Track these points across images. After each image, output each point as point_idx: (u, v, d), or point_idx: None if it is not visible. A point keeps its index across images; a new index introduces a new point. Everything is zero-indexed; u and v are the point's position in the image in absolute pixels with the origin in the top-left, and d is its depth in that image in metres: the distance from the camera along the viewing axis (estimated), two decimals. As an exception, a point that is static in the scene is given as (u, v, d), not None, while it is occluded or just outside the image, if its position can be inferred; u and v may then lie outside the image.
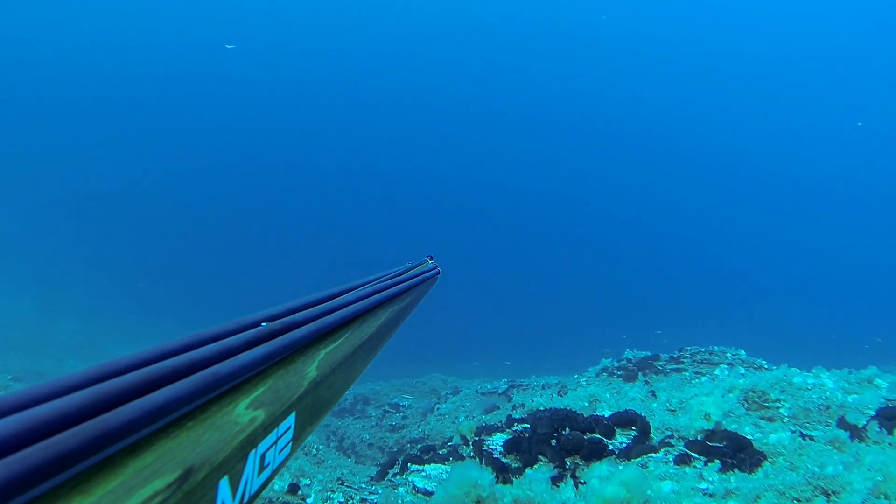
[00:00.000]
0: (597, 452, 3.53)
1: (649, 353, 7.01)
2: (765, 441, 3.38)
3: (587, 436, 3.75)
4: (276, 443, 0.64)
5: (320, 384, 0.77)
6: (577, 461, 3.54)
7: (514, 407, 6.42)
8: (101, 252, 35.21)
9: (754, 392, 4.18)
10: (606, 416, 4.08)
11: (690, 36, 44.57)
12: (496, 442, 4.18)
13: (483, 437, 4.34)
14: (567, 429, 3.82)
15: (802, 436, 3.50)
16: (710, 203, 47.62)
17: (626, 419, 3.95)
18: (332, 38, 45.64)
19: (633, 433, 3.85)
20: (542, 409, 4.59)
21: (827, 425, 3.83)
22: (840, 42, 42.29)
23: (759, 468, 2.79)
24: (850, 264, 42.60)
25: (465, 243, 46.56)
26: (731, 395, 4.17)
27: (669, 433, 3.82)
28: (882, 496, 2.22)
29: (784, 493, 2.46)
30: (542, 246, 47.15)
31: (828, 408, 4.15)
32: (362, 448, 8.69)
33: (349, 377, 0.96)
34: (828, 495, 2.37)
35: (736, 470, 2.86)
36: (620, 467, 3.19)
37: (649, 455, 3.42)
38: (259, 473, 0.60)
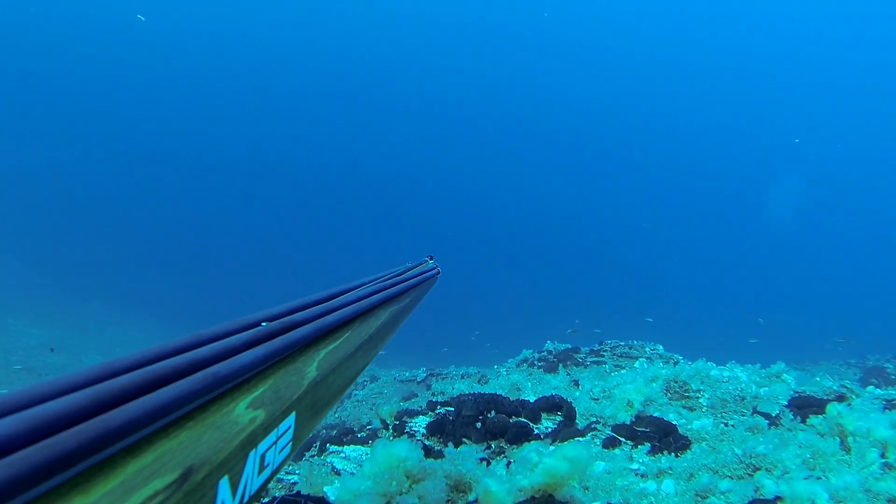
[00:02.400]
0: (523, 436, 3.47)
1: (570, 346, 7.14)
2: (689, 427, 3.47)
3: (513, 419, 3.67)
4: (276, 442, 0.64)
5: (320, 384, 0.77)
6: (503, 444, 3.46)
7: (433, 394, 6.34)
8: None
9: (676, 382, 4.32)
10: (531, 400, 4.02)
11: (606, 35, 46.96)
12: (419, 424, 4.08)
13: (405, 419, 4.16)
14: (493, 412, 3.72)
15: (723, 423, 3.60)
16: (636, 208, 50.72)
17: (552, 404, 3.93)
18: (331, 38, 46.23)
19: (559, 418, 3.85)
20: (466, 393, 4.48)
21: (743, 414, 4.02)
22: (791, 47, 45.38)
23: (687, 451, 2.81)
24: (768, 270, 46.27)
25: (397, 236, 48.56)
26: (654, 384, 4.29)
27: (595, 419, 3.86)
28: (815, 469, 2.28)
29: (717, 472, 2.50)
30: (470, 242, 49.64)
31: (743, 398, 4.35)
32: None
33: (349, 377, 0.96)
34: (757, 469, 2.41)
35: (665, 452, 2.87)
36: (551, 448, 3.13)
37: (577, 439, 3.38)
38: (259, 473, 0.60)
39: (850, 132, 45.21)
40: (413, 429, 4.03)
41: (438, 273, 2.07)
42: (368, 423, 4.93)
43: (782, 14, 42.48)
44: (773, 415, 3.83)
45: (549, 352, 7.11)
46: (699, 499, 2.27)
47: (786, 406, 3.89)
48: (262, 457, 0.60)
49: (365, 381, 10.09)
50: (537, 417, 3.82)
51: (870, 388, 4.86)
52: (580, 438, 3.42)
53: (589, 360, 6.46)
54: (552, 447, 3.15)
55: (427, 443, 3.60)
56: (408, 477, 2.27)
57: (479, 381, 6.20)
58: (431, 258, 2.20)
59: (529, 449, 2.73)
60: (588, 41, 46.33)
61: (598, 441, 3.30)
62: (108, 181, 41.99)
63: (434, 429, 3.73)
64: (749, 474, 2.44)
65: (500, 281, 44.32)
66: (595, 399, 4.40)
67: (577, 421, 3.84)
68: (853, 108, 44.58)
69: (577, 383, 5.16)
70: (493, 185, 52.14)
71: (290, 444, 0.68)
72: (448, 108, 49.87)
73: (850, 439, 2.43)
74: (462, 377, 7.59)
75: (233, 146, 45.64)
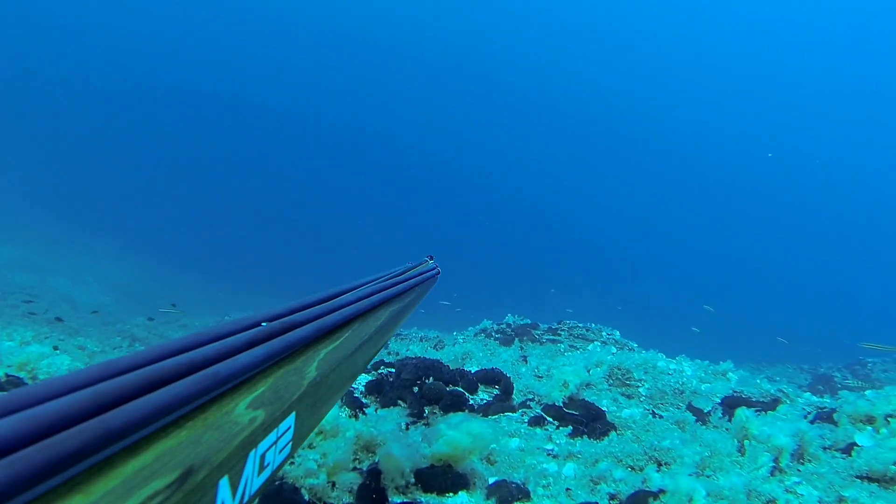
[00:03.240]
0: (456, 405, 3.51)
1: (529, 322, 7.22)
2: (618, 414, 3.54)
3: (450, 388, 3.72)
4: (276, 442, 0.65)
5: (320, 384, 0.78)
6: (436, 410, 3.50)
7: (388, 353, 6.38)
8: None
9: (619, 370, 4.40)
10: (473, 371, 4.07)
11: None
12: (359, 382, 4.08)
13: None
14: (431, 378, 3.76)
15: (654, 414, 3.67)
16: (627, 200, 53.26)
17: (491, 377, 3.98)
18: (330, 38, 47.13)
19: (496, 391, 3.89)
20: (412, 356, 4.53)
21: (678, 408, 4.12)
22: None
23: (606, 437, 2.87)
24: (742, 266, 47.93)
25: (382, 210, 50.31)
26: (597, 369, 4.36)
27: (531, 396, 3.91)
28: (706, 469, 2.35)
29: (621, 461, 2.57)
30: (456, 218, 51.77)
31: (682, 392, 4.45)
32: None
33: (349, 377, 0.96)
34: (660, 465, 2.47)
35: (585, 436, 2.94)
36: (457, 420, 3.19)
37: (506, 413, 3.43)
38: (259, 473, 0.61)
39: (831, 132, 47.06)
40: (352, 386, 4.08)
41: (438, 273, 2.10)
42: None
43: (787, 14, 43.47)
44: (705, 411, 3.93)
45: (509, 325, 7.19)
46: (592, 484, 2.34)
47: (719, 404, 3.97)
48: (262, 457, 0.61)
49: None
50: (474, 388, 3.87)
51: (807, 394, 4.98)
52: (510, 414, 3.48)
53: (546, 337, 6.55)
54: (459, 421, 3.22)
55: (364, 401, 3.65)
56: (318, 433, 2.31)
57: (434, 346, 6.25)
58: (431, 258, 2.23)
59: (454, 419, 2.78)
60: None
61: (526, 418, 3.36)
62: (95, 108, 41.70)
63: (372, 388, 3.77)
64: (648, 465, 2.52)
65: (486, 252, 45.98)
66: (539, 377, 4.47)
67: (513, 396, 3.90)
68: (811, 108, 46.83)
69: (525, 359, 5.24)
70: (488, 162, 54.22)
71: (290, 444, 0.69)
72: (423, 79, 51.58)
73: (746, 443, 2.50)
74: (420, 340, 7.66)
75: (230, 145, 46.84)
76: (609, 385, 4.26)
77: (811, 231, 50.92)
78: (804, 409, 4.24)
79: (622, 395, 4.16)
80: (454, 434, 2.20)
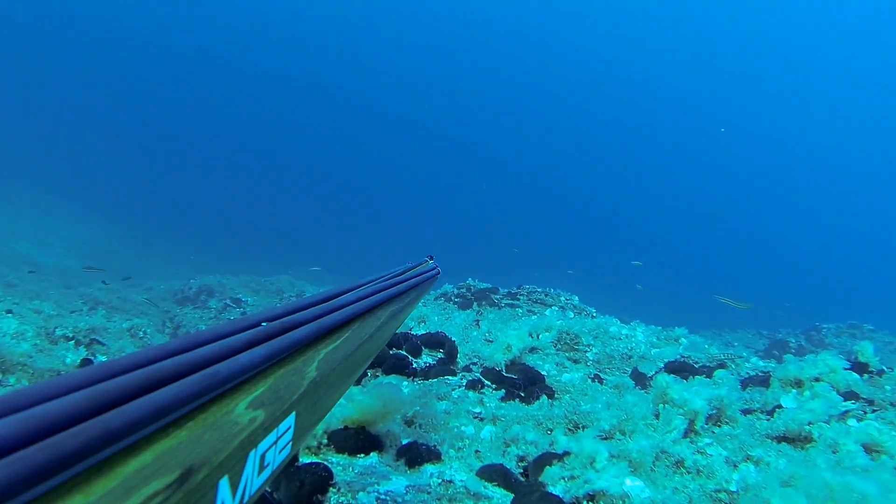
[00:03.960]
0: (398, 368, 3.52)
1: (490, 286, 7.21)
2: (558, 378, 3.58)
3: (393, 350, 3.72)
4: (276, 442, 0.65)
5: (320, 384, 0.78)
6: (378, 373, 3.50)
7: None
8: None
9: (568, 334, 4.46)
10: (419, 334, 4.07)
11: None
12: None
13: None
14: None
15: (598, 378, 3.70)
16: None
17: (436, 341, 4.01)
18: (330, 37, 49.32)
19: (440, 355, 3.89)
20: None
21: (624, 372, 4.16)
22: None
23: (537, 401, 2.90)
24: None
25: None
26: (547, 333, 4.41)
27: (476, 360, 3.93)
28: (619, 432, 2.39)
29: (541, 424, 2.59)
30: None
31: (630, 357, 4.53)
32: (198, 339, 8.71)
33: (349, 377, 0.97)
34: (577, 428, 2.51)
35: (517, 400, 2.96)
36: (405, 382, 3.19)
37: (446, 377, 3.44)
38: (259, 473, 0.61)
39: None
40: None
41: (438, 273, 2.11)
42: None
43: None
44: (649, 376, 3.98)
45: (469, 288, 7.19)
46: (504, 446, 2.37)
47: (661, 369, 4.03)
48: (262, 457, 0.61)
49: (290, 296, 10.21)
50: (418, 352, 3.89)
51: (755, 359, 5.09)
52: (451, 378, 3.50)
53: (504, 302, 6.59)
54: (405, 382, 3.23)
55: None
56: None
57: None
58: (431, 258, 2.23)
59: (386, 381, 2.79)
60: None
61: (464, 382, 3.38)
62: (61, 68, 40.77)
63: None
64: (569, 430, 2.55)
65: (454, 215, 48.70)
66: (489, 341, 4.50)
67: (458, 360, 3.93)
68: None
69: (478, 323, 5.27)
70: (458, 128, 56.88)
71: (290, 444, 0.69)
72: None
73: (661, 406, 2.54)
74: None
75: (229, 143, 47.87)
76: (557, 349, 4.32)
77: (781, 201, 52.74)
78: (748, 373, 4.32)
79: (569, 359, 4.22)
80: (363, 398, 2.22)
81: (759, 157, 52.62)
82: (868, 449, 2.48)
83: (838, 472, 1.94)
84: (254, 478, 0.60)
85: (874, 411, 2.94)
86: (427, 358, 3.92)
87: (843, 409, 2.97)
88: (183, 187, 38.59)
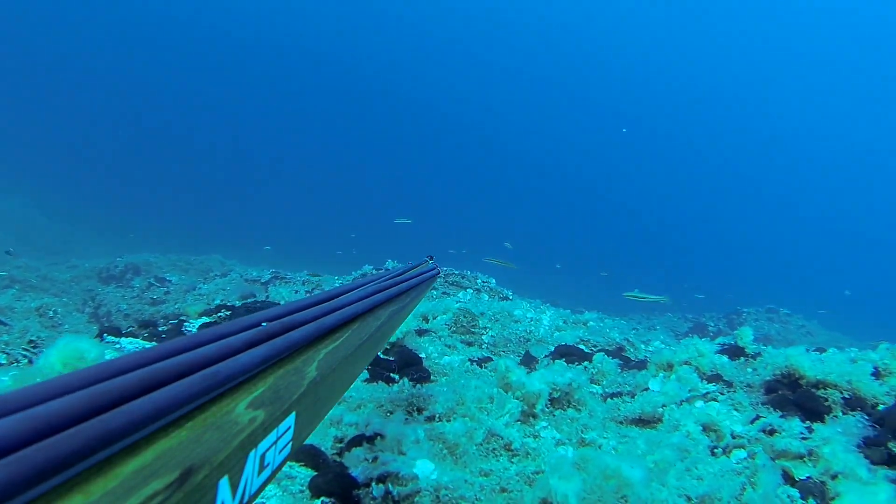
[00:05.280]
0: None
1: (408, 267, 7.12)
2: (438, 361, 3.55)
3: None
4: (276, 442, 0.65)
5: (320, 384, 0.78)
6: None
7: (266, 297, 6.34)
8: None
9: (466, 316, 4.41)
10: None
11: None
12: (196, 325, 4.02)
13: (202, 318, 4.31)
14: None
15: (483, 362, 3.71)
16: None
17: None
18: (329, 36, 51.04)
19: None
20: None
21: (518, 356, 4.16)
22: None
23: (396, 384, 2.89)
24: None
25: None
26: (443, 315, 4.35)
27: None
28: (452, 414, 2.40)
29: (381, 406, 2.56)
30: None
31: (527, 340, 4.54)
32: (118, 318, 8.46)
33: (349, 377, 0.97)
34: (416, 411, 2.51)
35: (380, 381, 2.93)
36: None
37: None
38: (259, 473, 0.61)
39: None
40: (188, 328, 4.04)
41: (438, 273, 2.13)
42: (175, 318, 4.90)
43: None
44: (540, 358, 4.01)
45: (387, 270, 7.08)
46: (333, 424, 2.33)
47: (552, 352, 4.08)
48: (262, 457, 0.61)
49: (215, 275, 10.07)
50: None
51: (657, 343, 5.18)
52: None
53: (419, 284, 6.53)
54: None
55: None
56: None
57: (310, 291, 6.22)
58: (431, 258, 2.27)
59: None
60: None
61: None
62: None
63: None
64: (408, 412, 2.54)
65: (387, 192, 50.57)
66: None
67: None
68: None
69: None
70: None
71: (290, 444, 0.69)
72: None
73: (496, 391, 2.56)
74: (303, 283, 7.58)
75: (227, 142, 48.99)
76: (451, 332, 4.30)
77: (722, 184, 54.73)
78: (645, 357, 4.42)
79: (462, 341, 4.20)
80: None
81: (700, 149, 54.61)
82: (706, 428, 2.56)
83: (618, 456, 1.96)
84: (254, 478, 0.60)
85: (730, 392, 3.04)
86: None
87: (704, 390, 3.06)
88: (113, 164, 37.87)
